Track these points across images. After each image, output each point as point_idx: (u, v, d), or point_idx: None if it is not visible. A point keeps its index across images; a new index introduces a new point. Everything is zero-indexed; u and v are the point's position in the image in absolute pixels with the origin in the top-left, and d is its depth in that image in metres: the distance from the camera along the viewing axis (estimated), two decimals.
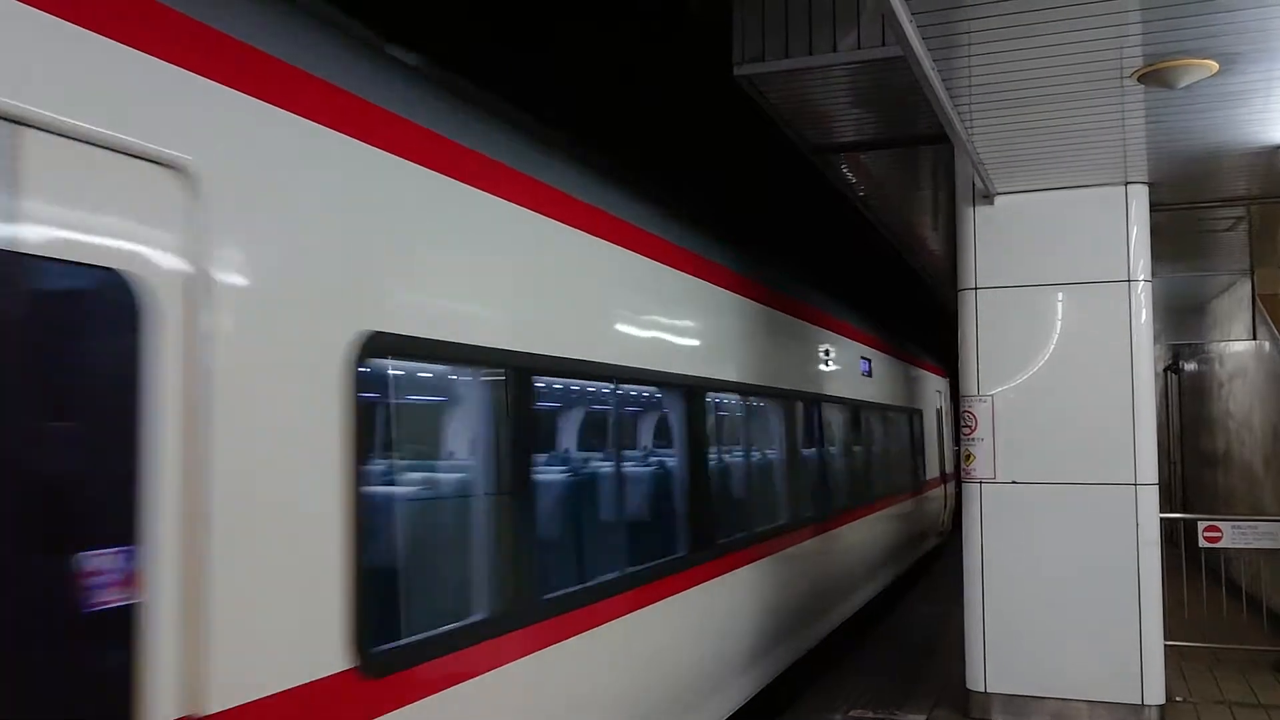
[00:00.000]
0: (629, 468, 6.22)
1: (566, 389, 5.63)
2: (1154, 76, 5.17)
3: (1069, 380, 7.46)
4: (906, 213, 11.74)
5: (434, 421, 4.63)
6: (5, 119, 2.48)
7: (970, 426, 7.65)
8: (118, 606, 2.70)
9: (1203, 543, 8.30)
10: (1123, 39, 4.80)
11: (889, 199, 10.94)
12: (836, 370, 10.88)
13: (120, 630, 2.71)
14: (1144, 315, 7.39)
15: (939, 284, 16.17)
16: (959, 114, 5.80)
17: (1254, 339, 11.49)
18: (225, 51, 3.16)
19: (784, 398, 8.84)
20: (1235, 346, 12.57)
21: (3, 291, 2.48)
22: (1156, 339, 7.77)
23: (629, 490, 6.07)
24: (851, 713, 7.84)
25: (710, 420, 6.98)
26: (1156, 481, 7.33)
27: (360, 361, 3.58)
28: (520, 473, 4.63)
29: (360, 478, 3.57)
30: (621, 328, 5.67)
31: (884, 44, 6.64)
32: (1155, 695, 7.20)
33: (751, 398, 8.08)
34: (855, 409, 11.77)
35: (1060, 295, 7.57)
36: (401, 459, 4.37)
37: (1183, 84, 5.18)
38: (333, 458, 3.43)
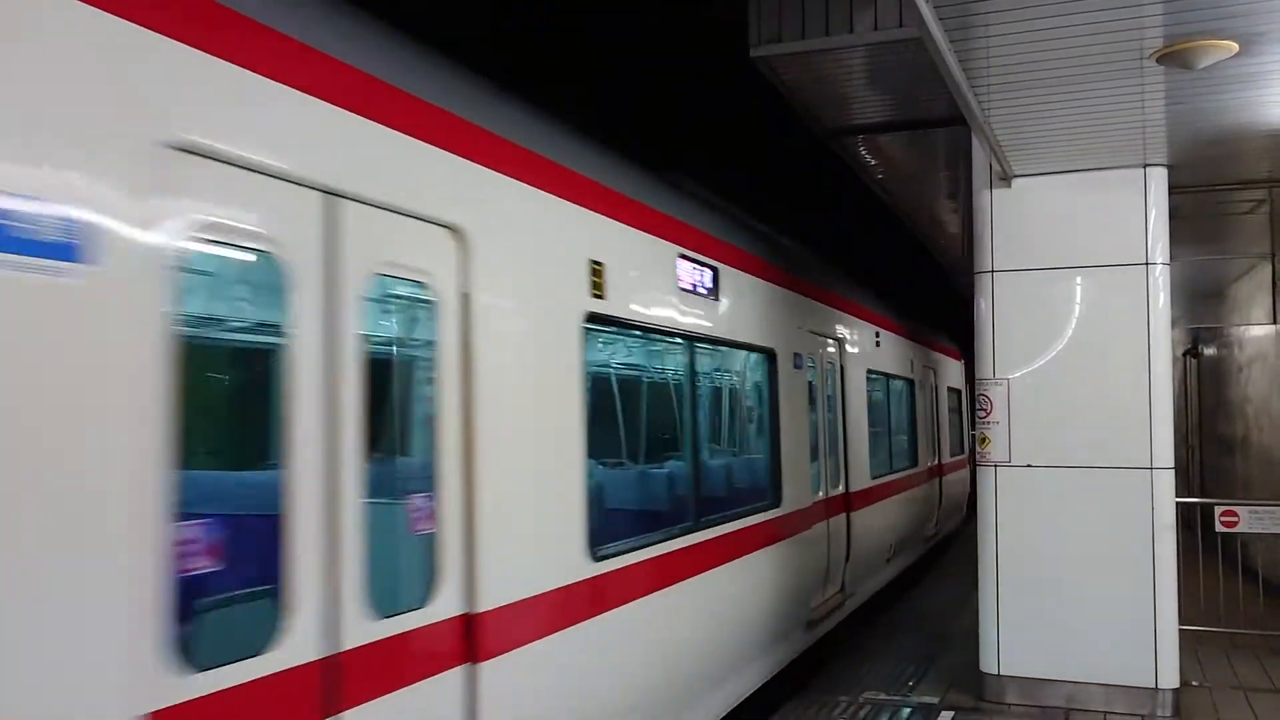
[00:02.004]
0: None
1: None
2: (1173, 57, 5.12)
3: (1086, 364, 7.43)
4: (922, 196, 11.67)
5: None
6: None
7: (986, 410, 7.63)
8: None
9: (1219, 527, 8.26)
10: (1142, 19, 4.76)
11: (905, 181, 10.88)
12: None
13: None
14: (1162, 299, 7.34)
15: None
16: (976, 96, 5.77)
17: (1274, 323, 11.38)
18: None
19: None
20: (1255, 331, 12.46)
21: None
22: (1175, 323, 7.72)
23: None
24: (864, 695, 7.86)
25: None
26: (1173, 466, 7.30)
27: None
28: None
29: None
30: None
31: (901, 25, 6.61)
32: (1170, 679, 7.19)
33: None
34: None
35: (1078, 279, 7.53)
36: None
37: (1202, 65, 5.14)
38: None
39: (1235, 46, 4.99)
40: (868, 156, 9.74)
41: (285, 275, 3.24)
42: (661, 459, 7.10)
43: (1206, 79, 5.49)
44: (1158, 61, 5.21)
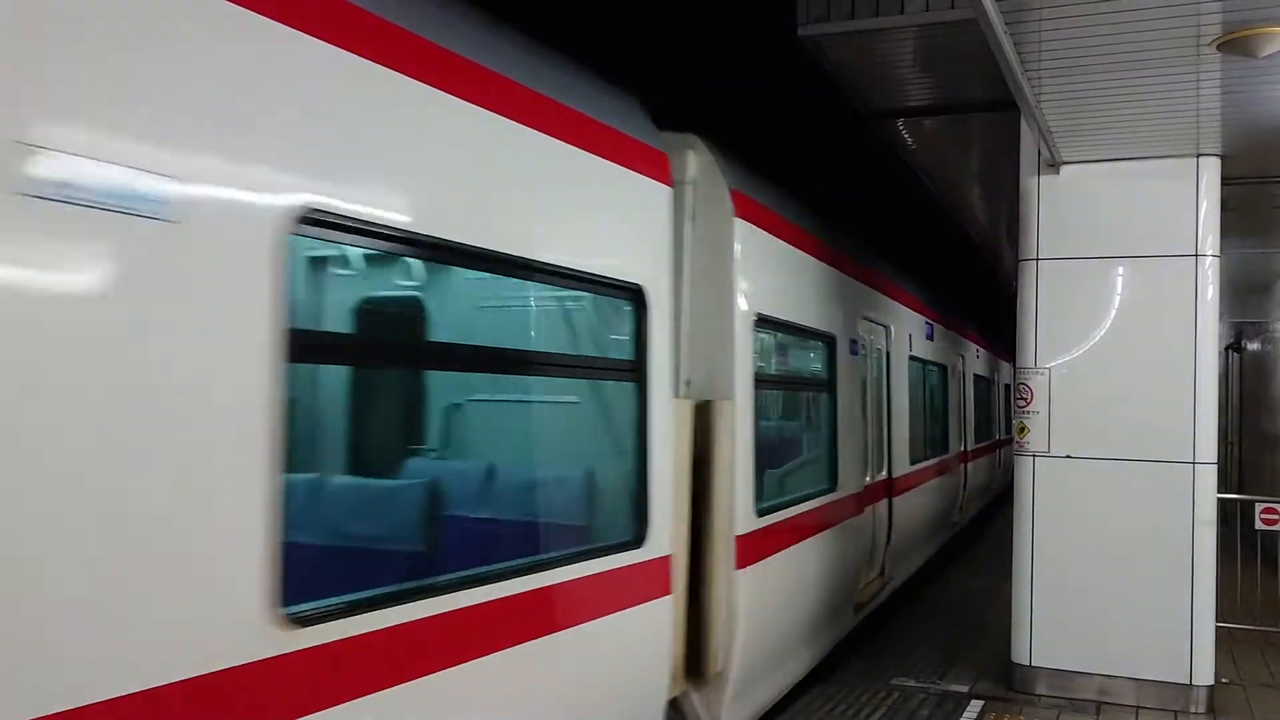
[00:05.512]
0: None
1: None
2: (1235, 45, 5.02)
3: (1130, 355, 7.33)
4: (964, 180, 11.55)
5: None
6: None
7: (1025, 399, 7.55)
8: None
9: (1259, 525, 8.16)
10: (1202, 5, 4.66)
11: (948, 166, 10.77)
12: None
13: None
14: (1211, 291, 7.22)
15: None
16: (1028, 80, 5.68)
17: None
18: None
19: None
20: None
21: None
22: (1220, 316, 7.59)
23: None
24: (894, 682, 7.84)
25: None
26: (1216, 461, 7.20)
27: None
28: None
29: None
30: None
31: (953, 6, 6.50)
32: (1204, 676, 7.13)
33: None
34: None
35: (1125, 268, 7.42)
36: None
37: (1265, 53, 5.03)
38: None
39: None
40: (910, 139, 9.63)
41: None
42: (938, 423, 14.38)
43: (1266, 67, 5.37)
44: (1218, 49, 5.10)
